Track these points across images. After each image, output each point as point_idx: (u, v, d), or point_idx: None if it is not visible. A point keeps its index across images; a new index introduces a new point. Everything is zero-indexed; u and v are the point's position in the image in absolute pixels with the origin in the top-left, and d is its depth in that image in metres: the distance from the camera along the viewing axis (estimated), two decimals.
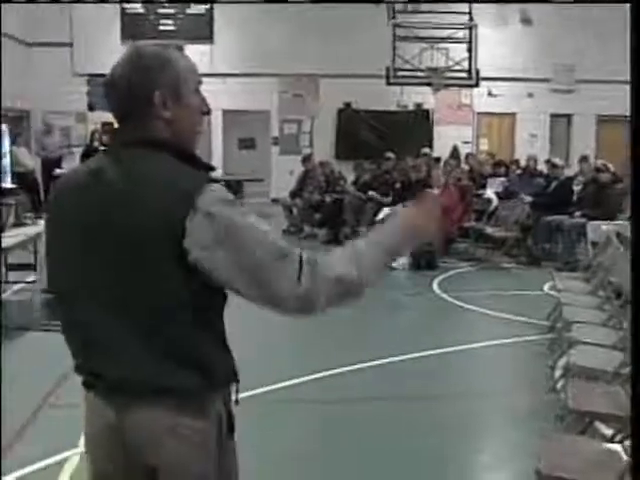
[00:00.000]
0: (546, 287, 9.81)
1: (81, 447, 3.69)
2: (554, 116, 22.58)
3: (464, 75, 18.68)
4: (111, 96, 2.10)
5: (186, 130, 2.12)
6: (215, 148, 21.22)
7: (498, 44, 20.71)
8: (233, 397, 2.16)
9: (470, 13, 18.39)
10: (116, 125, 2.12)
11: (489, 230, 11.63)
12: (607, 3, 19.45)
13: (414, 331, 7.80)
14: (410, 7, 19.24)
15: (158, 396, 2.00)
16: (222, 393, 2.12)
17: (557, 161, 12.41)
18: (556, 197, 11.88)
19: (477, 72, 18.50)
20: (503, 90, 21.64)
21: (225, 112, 20.82)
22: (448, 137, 21.37)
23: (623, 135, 23.12)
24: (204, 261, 1.92)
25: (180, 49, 2.16)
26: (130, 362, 1.99)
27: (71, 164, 18.89)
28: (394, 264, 10.81)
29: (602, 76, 21.39)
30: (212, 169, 2.13)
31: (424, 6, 19.00)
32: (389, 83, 18.40)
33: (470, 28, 18.33)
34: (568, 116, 22.73)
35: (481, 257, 11.75)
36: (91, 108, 20.52)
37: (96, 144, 17.70)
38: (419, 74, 18.41)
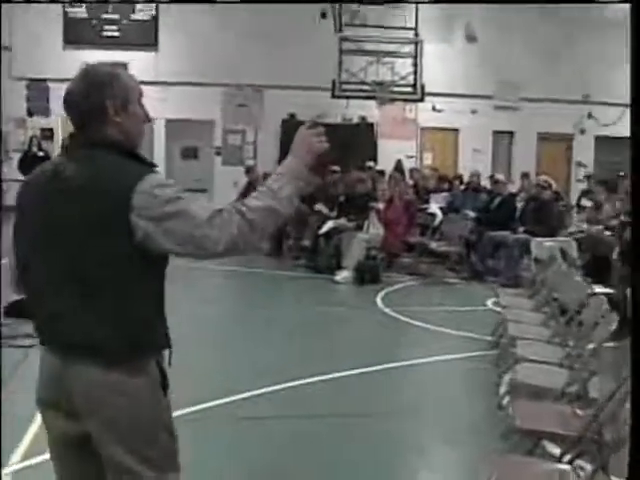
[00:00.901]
0: (489, 302, 9.81)
1: None
2: (497, 133, 22.82)
3: (409, 90, 18.75)
4: (71, 107, 2.56)
5: (133, 134, 2.59)
6: (157, 157, 20.82)
7: (443, 60, 20.85)
8: (166, 360, 2.58)
9: (416, 29, 18.47)
10: (72, 131, 2.58)
11: (433, 245, 11.63)
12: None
13: (357, 346, 7.67)
14: (357, 21, 19.26)
15: (96, 354, 2.40)
16: (157, 356, 2.54)
17: (500, 177, 12.49)
18: (499, 213, 11.94)
19: (422, 87, 18.58)
20: (447, 106, 21.76)
21: (168, 121, 20.53)
22: (392, 151, 21.37)
23: (563, 153, 23.56)
24: (149, 231, 2.36)
25: (125, 67, 2.94)
26: (78, 326, 2.41)
27: (9, 170, 18.46)
28: (337, 278, 10.73)
29: (544, 94, 21.71)
30: (155, 166, 2.59)
31: (370, 20, 19.04)
32: (334, 96, 18.37)
33: (416, 43, 18.40)
34: (510, 133, 23.00)
35: (425, 272, 11.72)
36: (30, 113, 20.05)
37: (35, 150, 17.31)
38: (365, 87, 18.42)
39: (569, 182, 22.63)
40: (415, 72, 18.57)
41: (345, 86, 18.32)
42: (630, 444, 3.10)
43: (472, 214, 12.11)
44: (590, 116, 22.96)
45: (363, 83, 18.44)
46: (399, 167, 20.31)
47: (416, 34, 18.47)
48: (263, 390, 5.96)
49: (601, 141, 22.97)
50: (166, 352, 2.59)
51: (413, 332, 8.29)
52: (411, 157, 22.08)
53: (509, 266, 11.03)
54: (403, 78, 18.69)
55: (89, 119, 2.53)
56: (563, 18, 21.10)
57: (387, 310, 9.13)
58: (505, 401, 5.76)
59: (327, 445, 5.06)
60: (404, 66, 18.93)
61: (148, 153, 20.89)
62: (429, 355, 7.21)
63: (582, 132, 23.25)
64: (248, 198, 2.50)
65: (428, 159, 22.51)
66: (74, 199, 2.43)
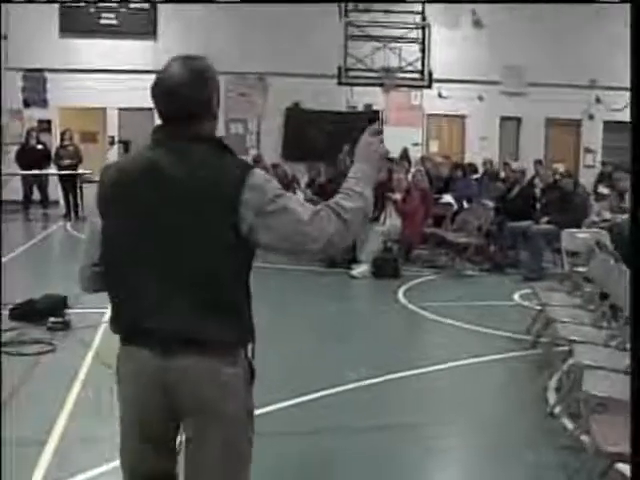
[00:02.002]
0: (516, 296, 9.40)
1: None
2: (504, 119, 22.38)
3: (417, 76, 18.26)
4: (169, 101, 2.46)
5: (216, 127, 2.60)
6: None
7: (449, 46, 20.38)
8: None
9: (423, 13, 17.98)
10: (160, 124, 2.53)
11: (451, 236, 11.17)
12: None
13: (386, 348, 7.18)
14: (362, 6, 18.73)
15: (201, 347, 2.41)
16: (247, 347, 2.57)
17: (517, 165, 11.99)
18: (519, 202, 11.50)
19: (430, 73, 18.09)
20: (453, 92, 21.33)
21: None
22: (398, 139, 20.88)
23: (571, 138, 23.14)
24: (254, 225, 2.39)
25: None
26: (181, 319, 2.40)
27: (5, 164, 17.95)
28: (355, 272, 10.29)
29: (552, 79, 21.28)
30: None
31: (377, 5, 18.56)
32: (340, 83, 17.87)
33: (423, 28, 17.91)
34: (518, 119, 22.55)
35: (443, 264, 11.28)
36: (27, 104, 19.55)
37: (33, 142, 16.81)
38: (371, 74, 17.93)
39: (577, 168, 22.16)
40: (423, 58, 18.08)
41: (351, 73, 17.83)
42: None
43: (491, 204, 11.66)
44: (598, 101, 22.53)
45: (370, 70, 17.96)
46: (405, 155, 19.87)
47: (423, 18, 17.98)
48: (285, 404, 5.46)
49: (610, 126, 22.55)
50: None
51: (443, 331, 7.83)
52: (417, 145, 21.65)
53: (533, 258, 10.58)
54: (410, 64, 18.20)
55: (194, 112, 2.48)
56: (570, 3, 20.64)
57: (411, 306, 8.68)
58: (557, 410, 5.35)
59: (364, 462, 4.62)
60: (411, 52, 18.48)
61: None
62: (463, 356, 6.74)
63: (590, 117, 22.83)
64: (339, 199, 2.52)
65: (434, 146, 22.09)
66: (177, 193, 2.42)
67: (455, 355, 6.77)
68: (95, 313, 7.66)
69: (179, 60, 2.50)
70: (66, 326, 7.22)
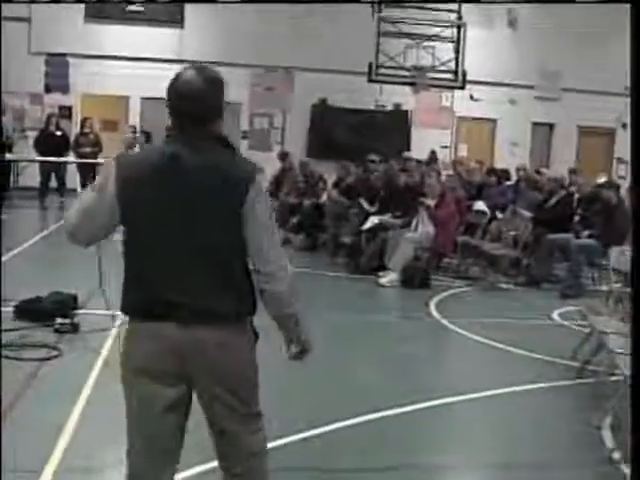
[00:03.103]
0: (556, 315, 8.81)
1: None
2: (536, 124, 21.74)
3: (450, 76, 17.68)
4: (190, 104, 2.77)
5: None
6: None
7: (482, 46, 19.66)
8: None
9: (459, 11, 17.36)
10: (170, 124, 2.85)
11: (486, 247, 10.56)
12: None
13: (417, 372, 6.60)
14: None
15: (218, 318, 2.76)
16: (252, 316, 2.89)
17: (553, 173, 11.37)
18: (558, 213, 10.88)
19: (464, 74, 17.51)
20: (485, 95, 20.72)
21: None
22: (426, 141, 20.34)
23: (604, 147, 22.46)
24: (248, 214, 2.76)
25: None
26: (200, 294, 2.74)
27: (24, 149, 17.51)
28: (383, 280, 9.74)
29: (586, 85, 20.64)
30: None
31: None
32: (371, 80, 17.31)
33: (459, 27, 17.33)
34: (550, 125, 21.91)
35: (475, 275, 10.69)
36: (48, 90, 19.09)
37: (52, 129, 16.36)
38: (402, 72, 17.35)
39: (610, 179, 21.46)
40: (457, 58, 17.50)
41: (382, 70, 17.25)
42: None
43: (527, 214, 11.05)
44: None
45: (401, 68, 17.38)
46: (433, 158, 19.27)
47: (459, 17, 17.37)
48: (306, 434, 4.86)
49: None
50: None
51: (478, 352, 7.22)
52: (445, 147, 21.06)
53: (572, 274, 9.97)
54: (444, 64, 17.62)
55: (210, 115, 2.82)
56: (609, 7, 19.95)
57: (445, 322, 8.09)
58: (616, 455, 4.76)
59: None
60: (444, 51, 17.88)
61: None
62: (501, 384, 6.10)
63: (624, 126, 22.12)
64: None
65: (463, 150, 21.46)
66: (196, 182, 2.74)
67: (492, 382, 6.15)
68: (106, 315, 7.16)
69: (194, 69, 2.82)
70: (74, 329, 6.68)
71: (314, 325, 7.47)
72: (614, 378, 5.86)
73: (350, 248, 10.92)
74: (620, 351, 5.38)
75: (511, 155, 20.90)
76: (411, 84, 17.58)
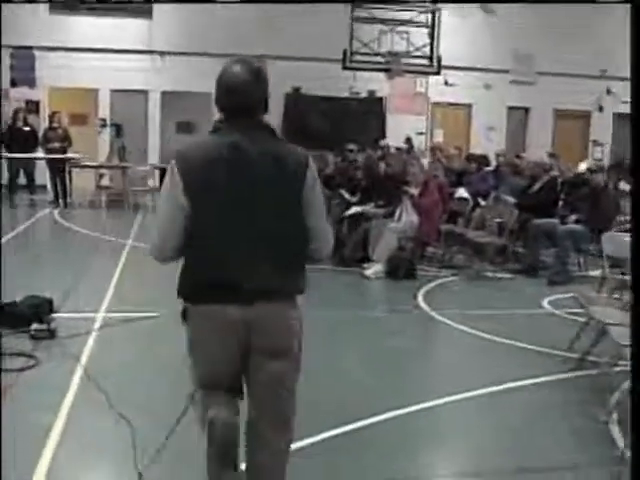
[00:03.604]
0: (545, 303, 8.61)
1: None
2: (511, 108, 21.57)
3: (425, 62, 17.46)
4: (237, 97, 2.98)
5: None
6: (151, 132, 19.55)
7: (456, 31, 19.46)
8: None
9: None
10: (221, 117, 3.07)
11: (471, 235, 10.34)
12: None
13: (412, 370, 6.37)
14: None
15: (277, 296, 3.00)
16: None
17: (544, 159, 11.17)
18: (542, 198, 10.66)
19: (439, 59, 17.31)
20: (460, 80, 20.51)
21: (163, 93, 19.19)
22: (401, 127, 20.10)
23: (579, 130, 22.34)
24: (309, 197, 3.00)
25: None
26: (268, 277, 2.95)
27: None
28: (368, 272, 9.50)
29: (561, 69, 20.51)
30: None
31: None
32: (345, 67, 17.06)
33: (433, 12, 17.11)
34: (526, 109, 21.75)
35: (460, 264, 10.47)
36: (14, 84, 18.59)
37: (19, 124, 15.89)
38: (378, 59, 17.08)
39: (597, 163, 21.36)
40: (431, 43, 17.31)
41: (356, 57, 16.99)
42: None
43: (511, 200, 10.83)
44: (609, 92, 21.76)
45: (376, 54, 17.12)
46: (409, 144, 19.05)
47: (434, 1, 17.12)
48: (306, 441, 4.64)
49: (620, 118, 21.79)
50: None
51: (472, 345, 6.96)
52: (421, 134, 20.84)
53: (559, 260, 9.78)
54: (418, 49, 17.40)
55: (259, 106, 3.00)
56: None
57: (434, 314, 7.85)
58: (629, 453, 4.53)
59: None
60: (419, 36, 17.65)
61: (141, 128, 19.56)
62: (499, 379, 5.87)
63: (600, 109, 22.06)
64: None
65: (439, 136, 21.27)
66: (259, 170, 2.92)
67: (488, 377, 5.89)
68: (85, 319, 6.87)
69: (239, 63, 2.99)
70: (51, 334, 6.34)
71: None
72: (618, 369, 5.64)
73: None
74: (626, 343, 5.17)
75: (487, 140, 20.75)
76: (386, 70, 17.32)
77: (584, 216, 9.90)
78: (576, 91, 20.99)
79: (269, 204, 2.93)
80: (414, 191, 9.84)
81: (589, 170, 10.62)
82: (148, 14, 18.84)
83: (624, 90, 21.11)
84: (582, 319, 6.72)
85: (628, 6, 18.97)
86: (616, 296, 6.80)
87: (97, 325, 6.77)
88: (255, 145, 2.93)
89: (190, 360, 3.10)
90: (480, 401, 5.52)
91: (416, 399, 5.33)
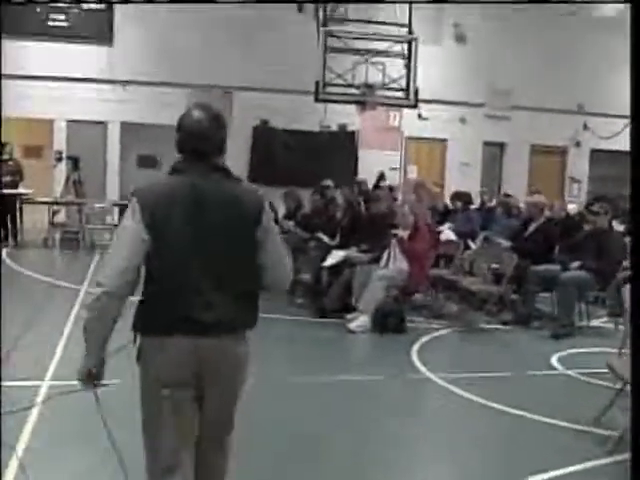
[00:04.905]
0: (554, 361, 7.67)
1: None
2: (487, 144, 20.83)
3: (401, 94, 16.58)
4: (197, 141, 3.13)
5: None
6: (110, 166, 18.38)
7: (430, 63, 18.61)
8: None
9: (410, 25, 16.28)
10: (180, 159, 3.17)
11: (465, 282, 9.39)
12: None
13: (434, 463, 5.33)
14: (339, 15, 17.06)
15: (233, 331, 3.14)
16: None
17: (538, 198, 10.28)
18: (539, 242, 9.77)
19: (416, 91, 16.43)
20: (434, 113, 19.73)
21: (124, 124, 18.06)
22: (374, 162, 19.22)
23: (556, 166, 21.65)
24: (264, 238, 3.14)
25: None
26: (221, 312, 3.05)
27: None
28: (353, 325, 8.49)
29: (538, 103, 19.89)
30: None
31: (356, 14, 16.93)
32: (318, 99, 16.05)
33: (409, 42, 16.22)
34: (501, 144, 21.03)
35: (451, 313, 9.50)
36: None
37: None
38: (352, 91, 16.17)
39: (562, 198, 20.69)
40: (408, 74, 16.40)
41: (329, 88, 16.06)
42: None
43: (507, 243, 9.93)
44: (585, 127, 21.14)
45: (350, 85, 16.20)
46: (382, 180, 18.19)
47: (410, 32, 16.28)
48: None
49: (597, 155, 21.17)
50: None
51: (496, 424, 5.79)
52: (395, 169, 19.96)
53: (564, 311, 8.86)
54: (395, 81, 16.51)
55: (217, 150, 3.17)
56: (559, 23, 19.25)
57: (435, 378, 6.82)
58: None
59: None
60: (395, 67, 16.81)
61: (100, 160, 18.42)
62: (543, 468, 4.85)
63: (577, 145, 21.42)
64: None
65: (413, 172, 20.41)
66: (216, 210, 3.07)
67: (529, 466, 4.89)
68: (29, 387, 5.75)
69: (201, 108, 3.19)
70: None
71: (272, 390, 6.07)
72: None
73: (311, 288, 9.64)
74: None
75: (463, 175, 19.97)
76: (361, 103, 16.40)
77: (588, 262, 9.00)
78: (553, 125, 20.37)
79: (224, 243, 3.07)
80: (403, 234, 8.87)
81: (590, 212, 9.73)
82: (108, 40, 17.78)
83: (601, 126, 20.57)
84: (599, 382, 5.81)
85: (608, 39, 18.55)
86: None
87: (42, 394, 5.67)
88: (212, 186, 3.08)
89: (144, 403, 3.15)
90: None
91: None
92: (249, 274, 3.11)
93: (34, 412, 5.33)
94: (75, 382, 3.17)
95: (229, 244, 3.05)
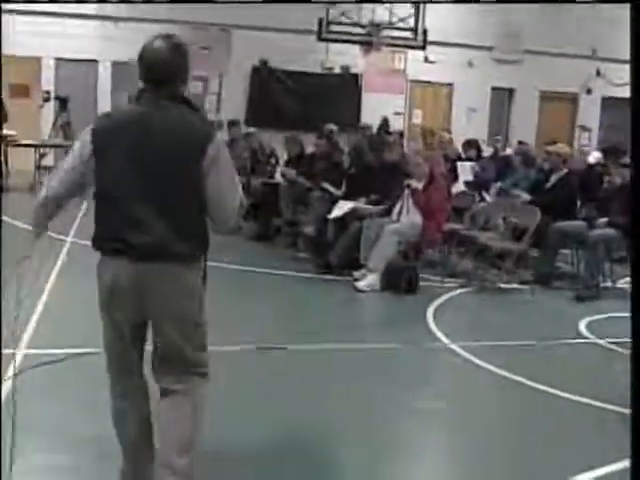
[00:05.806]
0: (582, 327, 7.02)
1: None
2: (495, 89, 19.96)
3: (409, 35, 15.75)
4: (155, 71, 3.16)
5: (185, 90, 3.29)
6: (101, 107, 17.49)
7: (437, 5, 17.69)
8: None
9: None
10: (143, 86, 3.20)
11: (483, 238, 8.69)
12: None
13: (476, 452, 4.69)
14: None
15: (173, 257, 3.12)
16: (203, 258, 3.28)
17: (561, 147, 9.54)
18: (559, 196, 9.06)
19: (425, 32, 15.60)
20: (441, 57, 18.83)
21: (115, 63, 17.16)
22: (377, 107, 18.40)
23: (566, 114, 20.84)
24: (208, 170, 3.11)
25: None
26: (157, 236, 3.08)
27: None
28: (361, 284, 7.80)
29: (549, 47, 18.98)
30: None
31: None
32: (321, 39, 15.26)
33: None
34: (510, 90, 20.16)
35: (467, 272, 8.82)
36: None
37: None
38: (357, 30, 15.31)
39: (571, 148, 19.91)
40: (416, 14, 15.58)
41: (333, 27, 15.20)
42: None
43: (526, 196, 9.22)
44: (598, 74, 20.26)
45: (355, 24, 15.34)
46: (385, 125, 17.38)
47: None
48: None
49: (608, 102, 20.33)
50: None
51: (537, 406, 5.12)
52: (399, 114, 19.14)
53: (591, 271, 8.19)
54: (402, 20, 15.65)
55: (174, 79, 3.17)
56: None
57: (457, 348, 6.12)
58: None
59: None
60: (402, 7, 15.92)
61: (90, 100, 17.57)
62: (598, 462, 4.20)
63: (588, 92, 20.56)
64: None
65: (417, 117, 19.61)
66: (160, 138, 3.10)
67: (587, 459, 4.24)
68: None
69: (161, 38, 3.19)
70: None
71: (278, 367, 5.37)
72: None
73: (315, 241, 8.94)
74: None
75: (469, 122, 19.18)
76: (366, 43, 15.55)
77: (615, 218, 8.29)
78: (564, 71, 19.49)
79: (166, 171, 3.08)
80: (418, 185, 8.14)
81: (620, 164, 8.99)
82: None
83: (614, 72, 19.68)
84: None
85: None
86: None
87: (11, 369, 5.01)
88: (161, 114, 3.12)
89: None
90: None
91: None
92: (192, 203, 3.12)
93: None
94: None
95: (171, 172, 3.08)
